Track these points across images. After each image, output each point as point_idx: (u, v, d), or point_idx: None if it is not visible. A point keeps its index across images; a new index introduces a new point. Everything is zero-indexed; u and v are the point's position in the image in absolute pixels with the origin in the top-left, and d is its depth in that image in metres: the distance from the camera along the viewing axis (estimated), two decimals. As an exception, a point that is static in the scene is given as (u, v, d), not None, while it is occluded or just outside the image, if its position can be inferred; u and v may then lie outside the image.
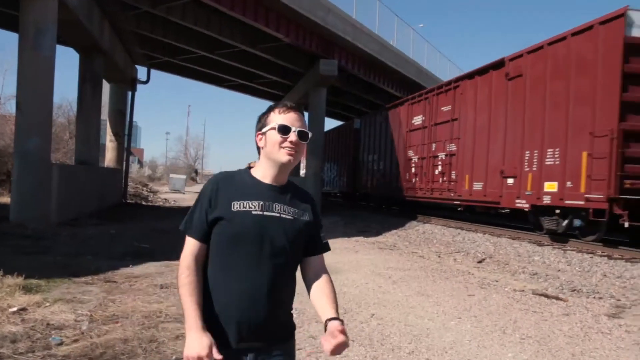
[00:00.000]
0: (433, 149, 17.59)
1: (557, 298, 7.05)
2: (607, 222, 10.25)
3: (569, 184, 10.87)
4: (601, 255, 10.13)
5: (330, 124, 28.94)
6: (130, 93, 23.80)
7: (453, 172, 16.15)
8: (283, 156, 1.83)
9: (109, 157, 23.42)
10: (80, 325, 4.67)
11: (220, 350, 1.69)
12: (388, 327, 5.18)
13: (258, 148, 1.92)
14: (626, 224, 9.65)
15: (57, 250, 9.07)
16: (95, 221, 14.59)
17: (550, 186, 11.44)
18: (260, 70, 25.57)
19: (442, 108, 17.00)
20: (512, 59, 13.21)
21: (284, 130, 1.82)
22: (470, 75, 15.59)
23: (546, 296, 7.13)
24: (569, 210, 11.17)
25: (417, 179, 18.93)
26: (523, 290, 7.53)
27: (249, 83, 29.04)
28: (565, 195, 10.98)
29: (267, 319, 1.77)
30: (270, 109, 1.91)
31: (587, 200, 10.28)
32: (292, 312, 1.97)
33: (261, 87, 30.10)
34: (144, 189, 30.34)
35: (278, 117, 1.85)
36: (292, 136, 1.83)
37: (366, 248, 11.91)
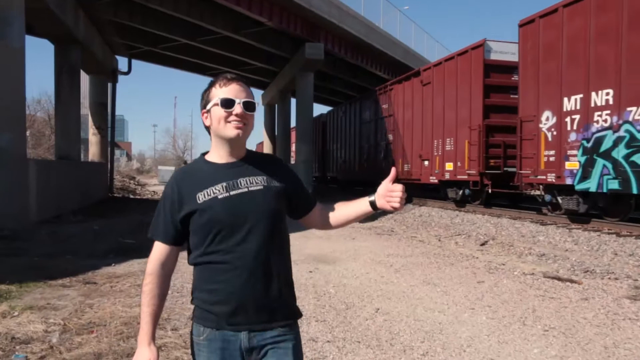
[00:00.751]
0: (377, 139, 21.13)
1: (571, 281, 6.60)
2: (484, 190, 14.24)
3: (459, 163, 14.86)
4: (609, 233, 9.70)
5: (318, 109, 28.52)
6: (111, 85, 23.02)
7: (390, 157, 19.87)
8: (230, 130, 1.71)
9: (93, 152, 22.68)
10: (50, 337, 4.12)
11: (216, 332, 1.69)
12: (396, 324, 4.68)
13: (207, 128, 1.80)
14: (489, 190, 14.05)
15: (34, 251, 8.48)
16: (79, 217, 13.98)
17: (449, 166, 15.39)
18: (245, 57, 24.87)
19: (382, 106, 20.53)
20: (425, 69, 17.19)
21: (227, 103, 1.70)
22: (399, 81, 19.20)
23: (559, 279, 6.68)
24: (461, 183, 15.16)
25: (367, 163, 22.47)
26: (533, 274, 7.08)
27: (233, 70, 28.24)
28: (457, 172, 14.98)
29: (262, 298, 1.71)
30: (210, 85, 1.79)
31: (469, 175, 14.31)
32: (292, 289, 1.86)
33: (246, 74, 29.30)
34: (131, 182, 29.62)
35: (220, 91, 1.73)
36: (237, 108, 1.71)
37: (363, 234, 11.42)
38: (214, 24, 19.42)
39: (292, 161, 29.89)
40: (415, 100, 17.49)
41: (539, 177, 11.40)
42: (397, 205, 1.74)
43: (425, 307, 5.22)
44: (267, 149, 35.11)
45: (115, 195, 23.08)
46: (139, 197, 24.68)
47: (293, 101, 27.34)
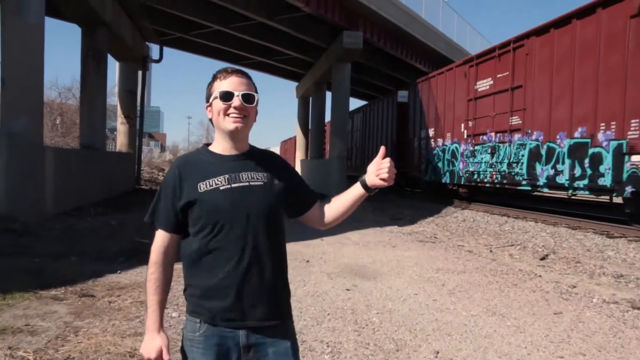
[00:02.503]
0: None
1: (672, 315, 5.31)
2: None
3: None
4: (696, 251, 8.30)
5: (353, 104, 27.31)
6: (141, 72, 22.31)
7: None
8: (229, 124, 1.73)
9: (121, 141, 22.00)
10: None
11: (213, 328, 1.69)
12: (465, 378, 3.53)
13: (210, 121, 1.81)
14: None
15: (39, 250, 7.61)
16: (99, 210, 13.20)
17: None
18: (279, 46, 23.80)
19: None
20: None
21: (226, 96, 1.72)
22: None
23: (655, 312, 5.39)
24: None
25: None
26: (617, 302, 5.80)
27: (267, 60, 27.29)
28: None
29: (259, 293, 1.71)
30: (213, 78, 1.79)
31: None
32: (288, 287, 1.84)
33: (281, 64, 28.33)
34: (160, 174, 29.00)
35: (220, 84, 1.74)
36: (236, 101, 1.72)
37: (404, 241, 10.23)
38: (246, 9, 18.38)
39: (327, 156, 28.81)
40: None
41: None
42: (385, 176, 1.72)
43: (499, 352, 4.04)
44: (300, 143, 34.04)
45: (142, 187, 22.40)
46: (166, 189, 23.97)
47: (328, 94, 26.23)
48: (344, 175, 21.20)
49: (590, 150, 10.85)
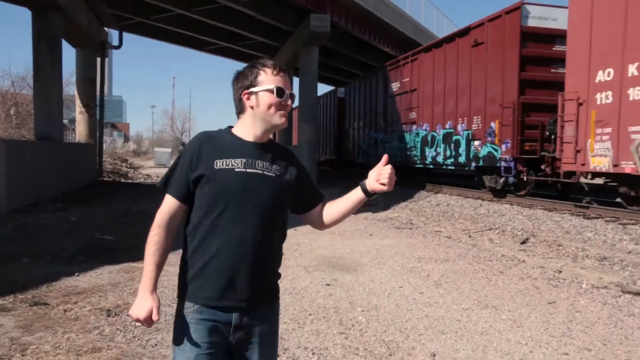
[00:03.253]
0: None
1: (667, 300, 5.10)
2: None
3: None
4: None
5: (321, 89, 26.81)
6: (100, 59, 21.30)
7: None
8: (278, 119, 1.80)
9: (80, 132, 21.01)
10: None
11: (207, 307, 1.71)
12: (468, 385, 3.18)
13: (241, 105, 1.82)
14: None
15: (-13, 252, 6.97)
16: (58, 206, 12.44)
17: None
18: (244, 30, 23.04)
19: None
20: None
21: (281, 93, 1.77)
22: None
23: (647, 296, 5.18)
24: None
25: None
26: (606, 287, 5.59)
27: (232, 45, 26.47)
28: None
29: (252, 276, 1.73)
30: (258, 67, 1.79)
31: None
32: (278, 273, 1.90)
33: (246, 49, 27.52)
34: (123, 164, 28.03)
35: (273, 79, 1.77)
36: (288, 100, 1.80)
37: (380, 228, 9.89)
38: (210, -9, 17.66)
39: (294, 143, 28.33)
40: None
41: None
42: (385, 181, 1.77)
43: (499, 351, 3.70)
44: (268, 130, 33.47)
45: (104, 179, 21.52)
46: (130, 180, 23.11)
47: (296, 81, 25.67)
48: (315, 162, 20.78)
49: (454, 138, 15.16)
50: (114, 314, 4.36)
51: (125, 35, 23.12)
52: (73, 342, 3.72)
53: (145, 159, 57.08)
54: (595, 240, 8.36)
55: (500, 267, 6.54)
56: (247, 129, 1.82)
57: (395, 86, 19.45)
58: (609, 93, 9.73)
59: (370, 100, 22.25)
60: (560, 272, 6.40)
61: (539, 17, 12.44)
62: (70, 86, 27.48)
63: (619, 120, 9.48)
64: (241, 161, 1.75)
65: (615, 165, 9.57)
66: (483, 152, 13.77)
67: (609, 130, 9.72)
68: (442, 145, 15.67)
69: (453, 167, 15.78)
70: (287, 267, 6.36)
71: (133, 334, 3.92)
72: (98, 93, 21.29)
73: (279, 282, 1.90)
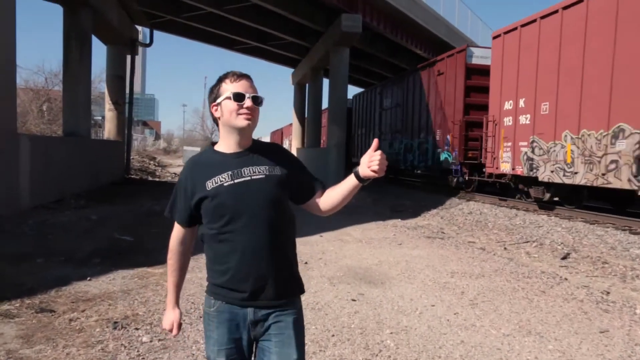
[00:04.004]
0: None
1: None
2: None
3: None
4: None
5: (350, 91, 26.49)
6: (130, 57, 21.30)
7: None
8: (241, 121, 1.87)
9: (109, 129, 21.04)
10: None
11: (222, 305, 1.88)
12: None
13: (215, 120, 1.95)
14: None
15: (2, 248, 6.75)
16: (82, 203, 12.31)
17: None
18: (275, 30, 22.80)
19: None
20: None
21: (239, 97, 1.86)
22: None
23: None
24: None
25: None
26: (664, 313, 5.02)
27: (262, 45, 26.27)
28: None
29: (265, 278, 1.84)
30: (220, 80, 1.93)
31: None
32: (296, 269, 2.00)
33: (276, 49, 27.30)
34: (151, 162, 28.07)
35: (231, 86, 1.88)
36: (248, 102, 1.87)
37: (410, 237, 9.40)
38: (240, -11, 17.43)
39: (323, 145, 27.95)
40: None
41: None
42: (376, 167, 1.78)
43: (549, 391, 3.22)
44: (296, 131, 33.10)
45: (132, 176, 21.49)
46: (157, 179, 23.04)
47: (326, 82, 25.30)
48: (343, 164, 20.36)
49: (425, 146, 19.29)
50: (120, 326, 4.02)
51: (157, 33, 23.18)
52: (73, 359, 3.38)
53: (175, 157, 57.51)
54: (643, 257, 7.73)
55: (541, 286, 6.00)
56: (224, 141, 1.93)
57: (387, 102, 23.90)
58: (510, 118, 13.53)
59: (369, 112, 26.71)
60: (608, 293, 5.84)
61: (480, 57, 16.26)
62: (102, 83, 27.68)
63: (515, 137, 13.31)
64: (227, 174, 1.86)
65: (512, 169, 13.46)
66: (442, 158, 17.73)
67: (509, 144, 13.58)
68: (417, 152, 20.04)
69: (425, 170, 20.77)
70: (310, 277, 5.96)
71: (138, 351, 3.57)
72: (127, 90, 21.29)
73: (299, 282, 2.01)
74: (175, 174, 26.53)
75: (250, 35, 24.69)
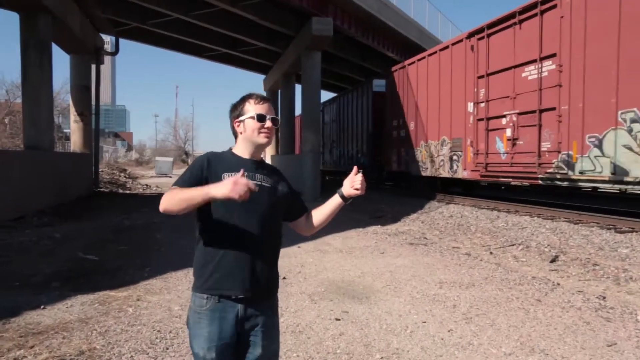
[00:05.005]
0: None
1: None
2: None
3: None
4: None
5: (323, 96, 26.09)
6: (94, 66, 20.56)
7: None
8: (262, 139, 2.13)
9: (75, 141, 20.24)
10: None
11: (216, 301, 2.00)
12: None
13: (235, 132, 2.19)
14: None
15: (-51, 277, 6.12)
16: (45, 220, 11.62)
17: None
18: (245, 36, 22.29)
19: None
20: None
21: (261, 118, 2.12)
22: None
23: None
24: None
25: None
26: (667, 319, 4.71)
27: (232, 52, 25.72)
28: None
29: (258, 273, 2.02)
30: (244, 100, 2.18)
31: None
32: (277, 270, 2.18)
33: (247, 55, 26.79)
34: (122, 174, 27.20)
35: (254, 107, 2.14)
36: (268, 123, 2.13)
37: (392, 244, 9.01)
38: (208, -6, 16.90)
39: (297, 152, 27.48)
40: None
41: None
42: (358, 186, 2.14)
43: (567, 423, 2.83)
44: (269, 138, 32.56)
45: (101, 190, 20.71)
46: (128, 191, 22.27)
47: (298, 88, 24.89)
48: (318, 171, 19.94)
49: (351, 153, 23.48)
50: (73, 366, 3.51)
51: (125, 42, 22.46)
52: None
53: (147, 168, 56.36)
54: (634, 258, 7.47)
55: (535, 293, 5.66)
56: (242, 150, 2.16)
57: (327, 117, 28.86)
58: (396, 132, 19.28)
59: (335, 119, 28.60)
60: (604, 298, 5.53)
61: (381, 86, 20.58)
62: (68, 95, 26.74)
63: (398, 146, 18.84)
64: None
65: (398, 168, 19.03)
66: (361, 162, 21.71)
67: (395, 150, 19.19)
68: (346, 157, 24.85)
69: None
70: (289, 294, 5.51)
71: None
72: (93, 101, 20.54)
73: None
74: (147, 185, 25.77)
75: (220, 42, 24.15)
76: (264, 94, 25.38)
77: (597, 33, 9.56)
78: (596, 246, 8.32)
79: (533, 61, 11.28)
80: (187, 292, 2.84)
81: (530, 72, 11.46)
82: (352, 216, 13.75)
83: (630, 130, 8.92)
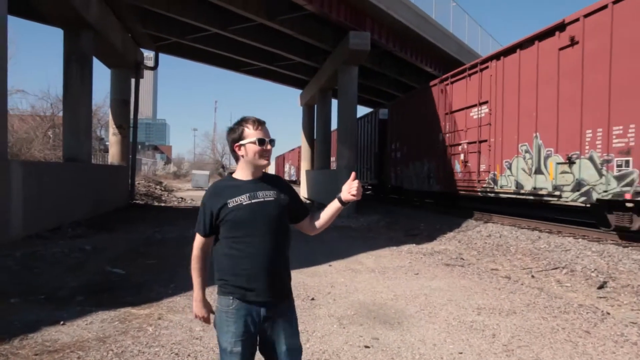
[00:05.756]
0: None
1: None
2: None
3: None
4: None
5: (359, 111, 25.87)
6: (134, 80, 20.92)
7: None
8: (263, 161, 2.44)
9: (113, 153, 20.58)
10: None
11: (239, 304, 2.33)
12: None
13: (235, 155, 2.48)
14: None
15: (-23, 288, 6.10)
16: (78, 232, 11.71)
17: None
18: (281, 50, 22.33)
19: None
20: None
21: (261, 142, 2.40)
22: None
23: None
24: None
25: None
26: None
27: (269, 66, 25.81)
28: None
29: (273, 278, 2.35)
30: (241, 125, 2.44)
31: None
32: (289, 273, 2.50)
33: (284, 70, 26.84)
34: (157, 187, 27.51)
35: (254, 132, 2.41)
36: (267, 145, 2.43)
37: (427, 265, 8.63)
38: (245, 9, 16.95)
39: (333, 167, 27.27)
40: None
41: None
42: (354, 192, 2.43)
43: None
44: (305, 153, 32.45)
45: (136, 202, 20.94)
46: (163, 204, 22.46)
47: (334, 102, 24.74)
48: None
49: (368, 169, 26.30)
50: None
51: (165, 57, 22.82)
52: None
53: (184, 181, 57.26)
54: (691, 286, 6.89)
55: (582, 324, 5.21)
56: (244, 172, 2.47)
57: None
58: (394, 153, 22.38)
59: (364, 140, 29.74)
60: (661, 331, 5.03)
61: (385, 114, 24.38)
62: (108, 108, 27.32)
63: (395, 165, 22.57)
64: (246, 196, 2.39)
65: (395, 183, 22.25)
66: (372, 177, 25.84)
67: (393, 168, 22.72)
68: (368, 172, 26.61)
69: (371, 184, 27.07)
70: (317, 317, 5.22)
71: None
72: (132, 114, 20.87)
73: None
74: (182, 198, 25.96)
75: (257, 57, 24.29)
76: (301, 108, 25.32)
77: (509, 90, 13.41)
78: (649, 272, 7.74)
79: (475, 105, 15.18)
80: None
81: (474, 113, 15.28)
82: (386, 233, 13.39)
83: (524, 158, 12.70)
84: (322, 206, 2.58)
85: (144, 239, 10.91)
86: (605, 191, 9.95)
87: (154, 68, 22.77)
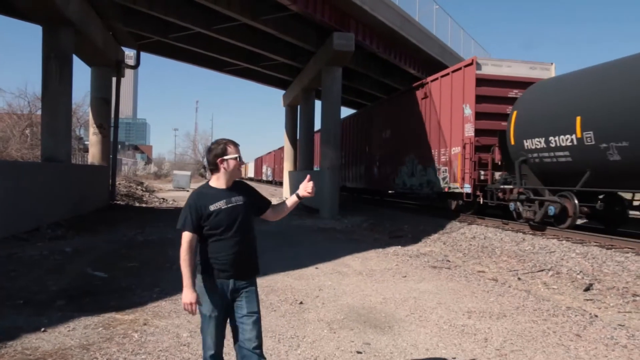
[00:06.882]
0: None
1: None
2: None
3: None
4: None
5: (342, 112, 25.84)
6: (115, 79, 20.58)
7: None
8: (240, 174, 3.13)
9: (93, 153, 20.18)
10: None
11: (216, 281, 2.95)
12: None
13: (217, 167, 3.03)
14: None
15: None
16: (58, 233, 11.44)
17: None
18: (266, 50, 22.17)
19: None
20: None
21: (240, 159, 3.08)
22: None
23: None
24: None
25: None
26: None
27: (253, 67, 25.61)
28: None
29: (241, 262, 2.99)
30: (223, 144, 3.05)
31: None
32: (257, 255, 3.15)
33: (267, 70, 26.66)
34: (139, 187, 27.12)
35: (234, 150, 3.04)
36: (241, 162, 3.10)
37: (414, 267, 8.58)
38: (228, 7, 16.76)
39: (316, 168, 27.17)
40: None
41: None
42: (309, 190, 3.14)
43: None
44: (289, 154, 32.29)
45: (117, 202, 20.58)
46: (144, 204, 22.13)
47: (318, 103, 24.63)
48: (337, 188, 19.57)
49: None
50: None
51: (147, 56, 22.49)
52: None
53: (165, 182, 56.52)
54: (675, 288, 6.96)
55: (572, 327, 5.20)
56: (221, 182, 3.05)
57: (385, 133, 26.27)
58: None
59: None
60: (650, 334, 5.04)
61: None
62: (88, 107, 26.85)
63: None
64: (224, 201, 2.99)
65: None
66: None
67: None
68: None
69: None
70: (306, 322, 5.13)
71: None
72: (113, 114, 20.53)
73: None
74: (163, 199, 25.61)
75: (241, 56, 24.08)
76: (284, 109, 25.03)
77: (396, 124, 20.91)
78: (633, 274, 7.79)
79: (386, 128, 21.71)
80: (197, 317, 2.67)
81: (385, 133, 21.65)
82: (371, 235, 13.35)
83: (407, 166, 19.71)
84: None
85: (126, 241, 10.70)
86: (439, 187, 16.36)
87: (136, 67, 22.42)
